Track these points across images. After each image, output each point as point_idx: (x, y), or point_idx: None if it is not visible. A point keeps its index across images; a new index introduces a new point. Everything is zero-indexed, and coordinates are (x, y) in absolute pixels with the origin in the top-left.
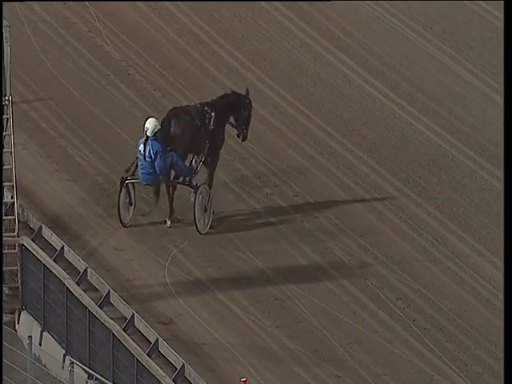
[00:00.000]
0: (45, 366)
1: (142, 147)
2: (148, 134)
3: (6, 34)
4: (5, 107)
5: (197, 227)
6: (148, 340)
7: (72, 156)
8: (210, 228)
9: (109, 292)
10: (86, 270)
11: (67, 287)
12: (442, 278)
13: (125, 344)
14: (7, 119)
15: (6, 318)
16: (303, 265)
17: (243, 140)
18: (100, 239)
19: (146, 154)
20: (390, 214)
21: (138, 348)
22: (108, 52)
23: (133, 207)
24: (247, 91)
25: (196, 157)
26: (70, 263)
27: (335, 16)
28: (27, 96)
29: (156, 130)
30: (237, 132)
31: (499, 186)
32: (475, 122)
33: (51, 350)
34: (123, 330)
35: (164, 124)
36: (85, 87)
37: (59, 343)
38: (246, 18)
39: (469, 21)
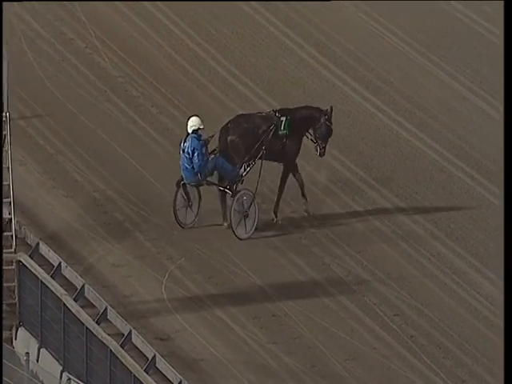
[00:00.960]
0: (42, 383)
1: (183, 143)
2: (188, 130)
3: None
4: (2, 123)
5: (234, 233)
6: (145, 356)
7: (69, 172)
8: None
9: (106, 308)
10: (83, 287)
11: (64, 303)
12: (439, 295)
13: (122, 360)
14: (4, 135)
15: (3, 334)
16: (300, 281)
17: (320, 156)
18: (97, 255)
19: (185, 150)
20: (387, 231)
21: (136, 364)
22: (105, 68)
23: (194, 208)
24: (331, 109)
25: (246, 164)
26: (68, 279)
27: (332, 32)
28: (24, 112)
29: (196, 127)
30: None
31: (496, 202)
32: (472, 138)
33: (48, 366)
34: (120, 346)
35: (223, 130)
36: (82, 103)
37: (56, 359)
38: (244, 34)
39: (466, 37)
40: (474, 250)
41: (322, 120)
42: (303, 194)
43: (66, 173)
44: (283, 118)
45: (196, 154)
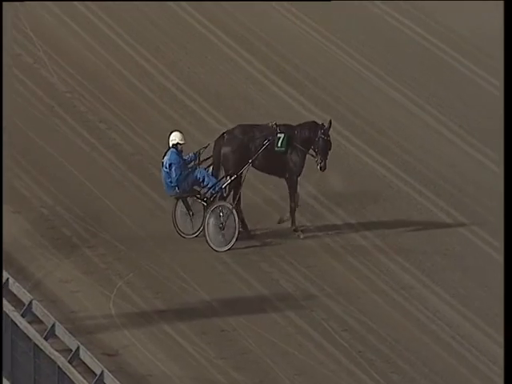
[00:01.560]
0: None
1: (163, 158)
2: (170, 144)
3: None
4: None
5: (209, 244)
6: (93, 372)
7: (17, 188)
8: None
9: (54, 324)
10: (31, 302)
11: (12, 319)
12: (387, 310)
13: (70, 376)
14: None
15: None
16: (249, 296)
17: (321, 170)
18: (45, 271)
19: (164, 164)
20: (335, 246)
21: (84, 380)
22: (53, 84)
23: (197, 218)
24: (329, 122)
25: (229, 176)
26: (15, 295)
27: (281, 48)
28: None
29: (175, 141)
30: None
31: (444, 217)
32: (420, 154)
33: None
34: (68, 361)
35: (218, 140)
36: (29, 119)
37: (4, 376)
38: (193, 49)
39: (413, 52)
40: (422, 265)
41: (319, 134)
42: (291, 215)
43: (14, 188)
44: (281, 135)
45: (173, 168)
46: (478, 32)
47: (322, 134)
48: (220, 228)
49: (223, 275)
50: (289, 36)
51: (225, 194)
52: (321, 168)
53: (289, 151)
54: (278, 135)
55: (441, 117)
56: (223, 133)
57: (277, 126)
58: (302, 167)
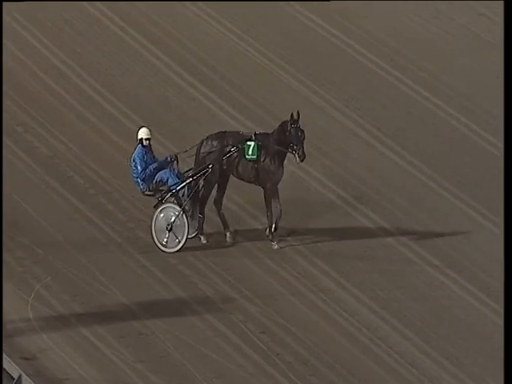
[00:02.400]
0: None
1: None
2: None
3: None
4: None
5: (156, 245)
6: (11, 376)
7: None
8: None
9: None
10: None
11: None
12: (305, 312)
13: None
14: None
15: None
16: (167, 299)
17: (301, 161)
18: None
19: (131, 159)
20: (253, 249)
21: None
22: None
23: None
24: (297, 113)
25: (189, 179)
26: None
27: (198, 50)
28: None
29: (140, 136)
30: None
31: (362, 220)
32: (338, 156)
33: None
34: None
35: (199, 144)
36: None
37: None
38: (110, 52)
39: (331, 55)
40: (340, 267)
41: (289, 126)
42: (275, 225)
43: None
44: (250, 143)
45: (137, 163)
46: (395, 34)
47: (292, 124)
48: (167, 229)
49: (142, 278)
50: (206, 38)
51: (181, 195)
52: (299, 157)
53: (263, 159)
54: (248, 143)
55: (359, 119)
56: (207, 137)
57: (255, 134)
58: (277, 174)
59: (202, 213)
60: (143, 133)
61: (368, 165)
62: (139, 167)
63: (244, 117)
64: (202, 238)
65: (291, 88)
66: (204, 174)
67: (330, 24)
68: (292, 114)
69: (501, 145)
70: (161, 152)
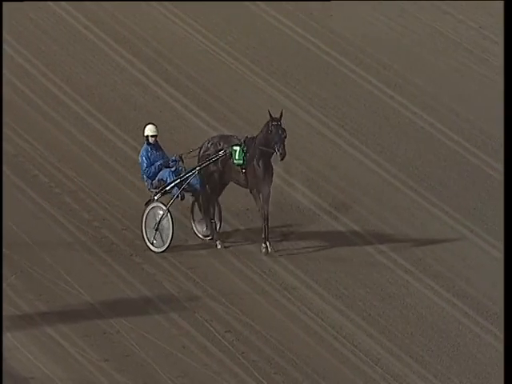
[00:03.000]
0: None
1: None
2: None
3: None
4: None
5: (145, 244)
6: None
7: None
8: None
9: None
10: None
11: None
12: (270, 311)
13: None
14: None
15: None
16: (132, 298)
17: (281, 159)
18: None
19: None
20: (218, 247)
21: None
22: None
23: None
24: (280, 112)
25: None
26: None
27: (163, 49)
28: None
29: (146, 134)
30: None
31: (327, 219)
32: (302, 154)
33: None
34: None
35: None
36: None
37: None
38: (74, 51)
39: (296, 53)
40: (304, 266)
41: (270, 125)
42: (264, 229)
43: None
44: (236, 148)
45: (143, 160)
46: (359, 33)
47: (273, 122)
48: (154, 228)
49: (106, 277)
50: (171, 36)
51: (170, 194)
52: (281, 154)
53: (250, 163)
54: (234, 148)
55: (323, 118)
56: (207, 140)
57: (247, 138)
58: (264, 177)
59: (211, 218)
60: (149, 130)
61: (332, 163)
62: (144, 164)
63: (209, 115)
64: (218, 243)
65: (256, 87)
66: (192, 174)
67: (294, 23)
68: (269, 113)
69: (464, 142)
70: (125, 150)
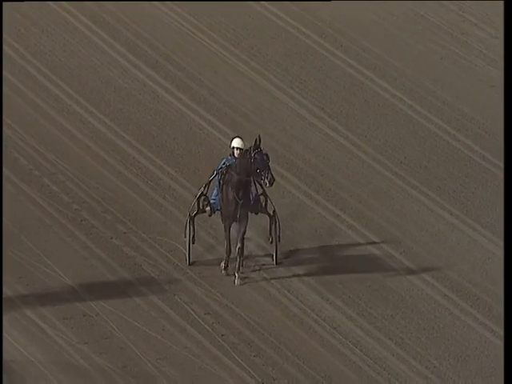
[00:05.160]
0: None
1: None
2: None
3: None
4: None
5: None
6: None
7: None
8: None
9: None
10: None
11: None
12: (249, 293)
13: None
14: None
15: None
16: (112, 281)
17: (270, 185)
18: None
19: None
20: (198, 229)
21: None
22: None
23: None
24: (259, 137)
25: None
26: None
27: (143, 32)
28: None
29: (232, 145)
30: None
31: (305, 200)
32: (282, 137)
33: None
34: None
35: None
36: None
37: None
38: (53, 33)
39: (276, 36)
40: (282, 247)
41: (253, 154)
42: (237, 262)
43: None
44: (236, 161)
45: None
46: (339, 15)
47: (254, 150)
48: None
49: (86, 260)
50: (150, 19)
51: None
52: (269, 181)
53: (223, 189)
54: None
55: (303, 101)
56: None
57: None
58: (233, 205)
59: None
60: (234, 143)
61: (312, 146)
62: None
63: (188, 97)
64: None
65: (236, 69)
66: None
67: (275, 6)
68: (256, 140)
69: (444, 125)
70: (104, 132)
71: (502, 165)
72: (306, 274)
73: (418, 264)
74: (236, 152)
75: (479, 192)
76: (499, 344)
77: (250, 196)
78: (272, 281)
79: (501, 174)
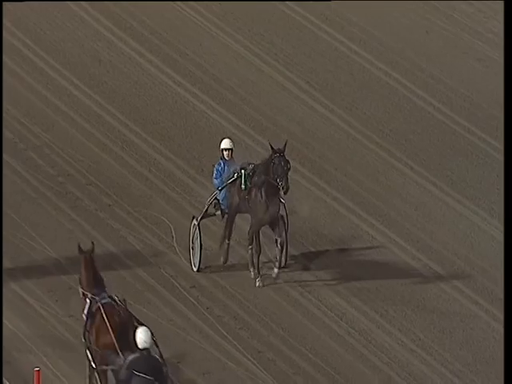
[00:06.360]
0: None
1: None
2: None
3: None
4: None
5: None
6: None
7: None
8: None
9: None
10: None
11: None
12: (235, 266)
13: None
14: None
15: None
16: (97, 254)
17: (284, 193)
18: None
19: None
20: (183, 202)
21: None
22: None
23: None
24: (285, 144)
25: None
26: None
27: (127, 5)
28: None
29: (221, 147)
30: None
31: (293, 175)
32: (267, 110)
33: None
34: None
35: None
36: None
37: None
38: (39, 7)
39: (261, 10)
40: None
41: (273, 156)
42: (254, 266)
43: None
44: (243, 172)
45: (213, 171)
46: None
47: (275, 153)
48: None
49: (71, 233)
50: None
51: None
52: (283, 188)
53: (252, 190)
54: (243, 171)
55: (289, 74)
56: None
57: (257, 164)
58: (264, 208)
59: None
60: (223, 143)
61: (297, 119)
62: (213, 175)
63: (173, 70)
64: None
65: (221, 42)
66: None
67: None
68: (270, 146)
69: (429, 98)
70: (89, 105)
71: (486, 137)
72: (291, 247)
73: (402, 237)
74: (225, 153)
75: (464, 165)
76: (483, 316)
77: (279, 198)
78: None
79: (485, 147)
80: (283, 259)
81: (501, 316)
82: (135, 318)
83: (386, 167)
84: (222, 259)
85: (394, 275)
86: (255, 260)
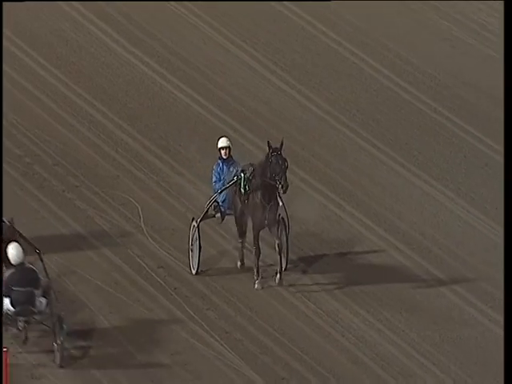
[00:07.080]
0: None
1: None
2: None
3: None
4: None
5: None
6: None
7: None
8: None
9: None
10: None
11: None
12: (203, 246)
13: None
14: None
15: None
16: (64, 234)
17: (284, 192)
18: None
19: None
20: (150, 182)
21: None
22: None
23: None
24: (281, 142)
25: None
26: None
27: None
28: None
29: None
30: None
31: (256, 152)
32: (234, 91)
33: None
34: None
35: None
36: None
37: None
38: None
39: None
40: None
41: (270, 155)
42: (257, 271)
43: None
44: (241, 176)
45: (213, 173)
46: None
47: (272, 152)
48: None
49: (38, 213)
50: None
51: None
52: (282, 187)
53: (250, 195)
54: (242, 174)
55: (256, 54)
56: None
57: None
58: (263, 211)
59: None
60: (219, 142)
61: (265, 99)
62: (213, 178)
63: (140, 51)
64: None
65: (188, 23)
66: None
67: None
68: (269, 143)
69: (396, 78)
70: (56, 85)
71: (452, 117)
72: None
73: (370, 217)
74: (223, 152)
75: (431, 145)
76: (447, 294)
77: (278, 200)
78: (226, 235)
79: (452, 126)
80: (283, 263)
81: (483, 306)
82: (23, 237)
83: (353, 147)
84: (238, 263)
85: (362, 257)
86: (255, 262)
